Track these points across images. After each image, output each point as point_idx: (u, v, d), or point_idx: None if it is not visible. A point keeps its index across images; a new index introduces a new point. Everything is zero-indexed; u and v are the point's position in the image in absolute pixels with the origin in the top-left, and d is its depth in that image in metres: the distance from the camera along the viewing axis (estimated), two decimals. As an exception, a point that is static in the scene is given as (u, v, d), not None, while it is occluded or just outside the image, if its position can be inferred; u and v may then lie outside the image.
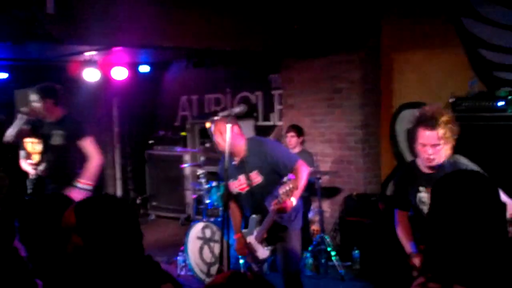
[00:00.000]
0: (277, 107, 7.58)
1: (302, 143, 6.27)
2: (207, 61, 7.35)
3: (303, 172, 3.88)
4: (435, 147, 3.13)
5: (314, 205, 6.29)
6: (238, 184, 4.04)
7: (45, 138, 4.87)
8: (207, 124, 3.67)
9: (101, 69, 7.56)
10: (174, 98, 9.05)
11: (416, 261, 3.26)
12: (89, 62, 7.43)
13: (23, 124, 4.85)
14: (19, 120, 4.79)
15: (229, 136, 3.68)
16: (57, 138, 4.79)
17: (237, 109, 3.69)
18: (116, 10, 4.70)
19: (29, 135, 5.15)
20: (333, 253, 5.71)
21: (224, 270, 3.85)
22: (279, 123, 7.49)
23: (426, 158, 3.19)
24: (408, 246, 3.39)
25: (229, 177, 4.02)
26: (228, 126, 3.63)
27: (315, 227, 6.50)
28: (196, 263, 5.75)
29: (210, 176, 6.43)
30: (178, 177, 8.49)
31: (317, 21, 5.87)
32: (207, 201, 6.10)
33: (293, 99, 7.00)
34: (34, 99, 4.78)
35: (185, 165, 7.73)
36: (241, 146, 3.97)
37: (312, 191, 5.92)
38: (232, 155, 3.96)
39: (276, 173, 3.94)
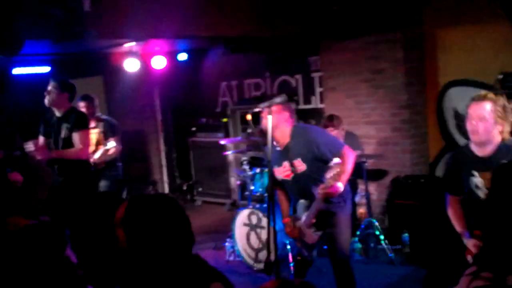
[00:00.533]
0: (318, 89, 7.45)
1: (343, 129, 6.09)
2: (245, 46, 7.28)
3: (350, 157, 3.82)
4: (481, 120, 3.08)
5: (361, 188, 6.19)
6: (283, 171, 4.01)
7: (55, 132, 5.12)
8: (249, 117, 3.63)
9: (140, 59, 7.63)
10: (214, 85, 9.04)
11: (470, 246, 3.17)
12: (129, 53, 7.49)
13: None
14: None
15: (270, 125, 3.62)
16: (64, 131, 5.05)
17: (278, 99, 3.64)
18: (152, 3, 4.69)
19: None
20: (381, 237, 5.63)
21: (272, 256, 3.84)
22: (321, 106, 7.37)
23: (471, 129, 3.15)
24: (461, 231, 3.30)
25: (274, 163, 4.00)
26: (270, 116, 3.58)
27: (362, 210, 6.41)
28: (244, 249, 5.79)
29: (253, 162, 6.42)
30: (222, 163, 8.54)
31: (356, 0, 5.69)
32: (252, 188, 6.09)
33: (334, 81, 6.86)
34: (52, 88, 5.10)
35: (228, 152, 7.74)
36: (286, 132, 3.93)
37: (358, 174, 5.82)
38: (276, 141, 3.92)
39: (320, 161, 3.87)
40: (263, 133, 3.80)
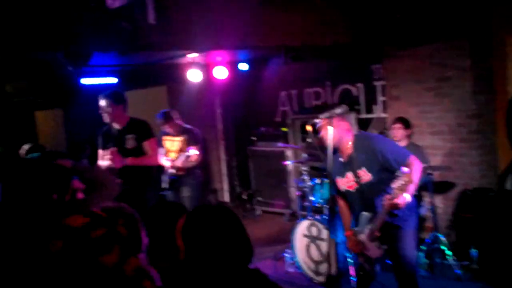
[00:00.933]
0: (380, 98, 7.29)
1: (409, 136, 5.94)
2: (306, 54, 7.24)
3: (416, 167, 3.69)
4: None
5: (426, 201, 5.98)
6: (346, 182, 3.93)
7: (118, 144, 5.19)
8: (309, 127, 3.58)
9: (203, 70, 7.75)
10: (274, 94, 9.05)
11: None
12: (192, 63, 7.63)
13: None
14: None
15: (331, 137, 3.56)
16: (130, 142, 5.15)
17: (339, 110, 3.57)
18: (214, 15, 4.76)
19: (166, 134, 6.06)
20: (448, 252, 5.41)
21: (333, 270, 3.77)
22: (383, 115, 7.21)
23: None
24: None
25: (337, 174, 3.94)
26: (330, 128, 3.52)
27: (427, 224, 6.19)
28: (303, 261, 5.72)
29: (313, 173, 6.35)
30: (281, 173, 8.50)
31: (421, 7, 5.54)
32: (311, 198, 6.03)
33: (397, 89, 6.69)
34: (107, 104, 5.16)
35: (287, 162, 7.70)
36: (349, 143, 3.86)
37: (423, 186, 5.63)
38: (338, 152, 3.85)
39: (386, 170, 3.76)
40: (323, 144, 3.74)
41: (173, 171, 6.31)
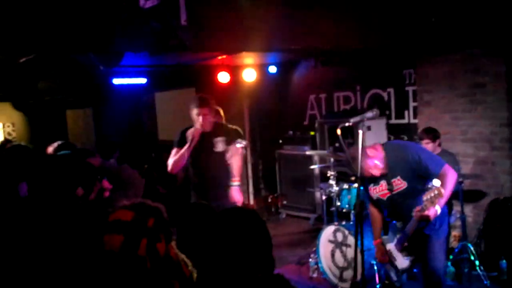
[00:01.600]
0: (412, 104, 7.17)
1: (440, 145, 5.79)
2: (336, 58, 7.19)
3: (450, 178, 3.59)
4: None
5: (456, 210, 5.86)
6: (379, 190, 3.87)
7: (208, 148, 5.07)
8: (338, 131, 3.53)
9: (232, 72, 7.77)
10: (303, 97, 9.00)
11: None
12: (221, 65, 7.66)
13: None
14: (187, 147, 4.96)
15: (361, 140, 3.50)
16: (219, 145, 5.06)
17: (370, 114, 3.49)
18: (244, 17, 4.74)
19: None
20: (476, 262, 5.29)
21: (359, 277, 3.71)
22: (414, 121, 7.09)
23: None
24: None
25: (371, 182, 3.88)
26: (360, 132, 3.46)
27: (456, 233, 6.06)
28: (328, 266, 5.66)
29: (341, 178, 6.28)
30: (308, 177, 8.45)
31: (456, 12, 5.43)
32: (338, 204, 5.96)
33: (429, 95, 6.58)
34: (204, 113, 4.93)
35: (315, 166, 7.64)
36: (383, 156, 3.74)
37: (453, 194, 5.51)
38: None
39: (420, 179, 3.69)
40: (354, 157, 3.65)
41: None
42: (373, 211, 4.06)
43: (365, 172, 3.63)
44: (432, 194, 3.38)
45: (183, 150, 4.93)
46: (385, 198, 3.86)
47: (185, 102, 8.33)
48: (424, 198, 3.43)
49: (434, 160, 3.73)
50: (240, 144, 5.46)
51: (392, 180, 3.76)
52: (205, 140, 5.02)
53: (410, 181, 3.70)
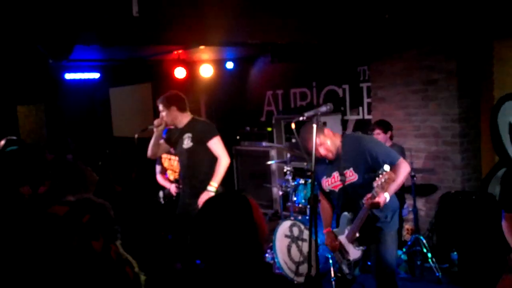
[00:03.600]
0: (366, 100, 7.28)
1: (391, 138, 5.91)
2: (292, 55, 7.20)
3: (403, 169, 3.68)
4: None
5: (408, 204, 5.98)
6: (332, 182, 3.89)
7: (177, 144, 4.99)
8: (293, 125, 3.53)
9: (188, 67, 7.68)
10: (260, 93, 9.01)
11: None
12: (178, 60, 7.55)
13: (160, 137, 4.99)
14: (154, 134, 4.92)
15: (315, 136, 3.51)
16: (185, 141, 4.85)
17: (324, 108, 3.50)
18: (201, 10, 4.68)
19: (167, 151, 5.48)
20: (429, 254, 5.40)
21: (313, 271, 3.72)
22: (368, 117, 7.20)
23: None
24: None
25: (323, 174, 3.91)
26: (314, 126, 3.47)
27: (408, 226, 6.18)
28: (284, 261, 5.66)
29: (297, 173, 6.31)
30: (265, 173, 8.46)
31: (410, 10, 5.52)
32: (294, 199, 5.98)
33: (383, 91, 6.68)
34: (160, 109, 4.86)
35: (271, 162, 7.66)
36: (337, 143, 3.83)
37: (406, 188, 5.61)
38: (328, 152, 3.82)
39: (373, 171, 3.72)
40: (307, 144, 3.68)
41: (173, 193, 5.75)
42: (323, 202, 4.11)
43: (316, 151, 3.60)
44: (383, 180, 3.42)
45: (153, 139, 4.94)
46: (337, 190, 3.89)
47: (141, 98, 8.23)
48: (375, 184, 3.46)
49: (390, 155, 3.77)
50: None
51: (345, 172, 3.79)
52: (178, 136, 4.94)
53: (362, 174, 3.74)
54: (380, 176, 3.45)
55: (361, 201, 3.64)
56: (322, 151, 3.77)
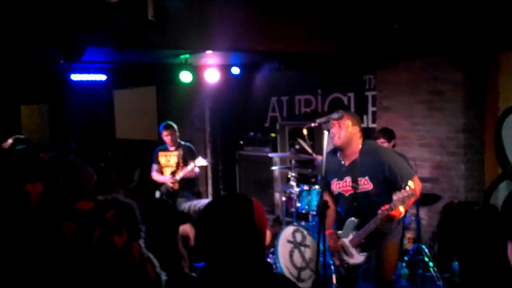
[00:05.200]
0: (371, 108, 7.32)
1: (393, 146, 5.92)
2: (299, 62, 7.25)
3: (418, 186, 3.72)
4: None
5: (411, 213, 6.01)
6: (343, 185, 3.91)
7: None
8: (304, 131, 3.58)
9: (194, 72, 7.72)
10: (264, 99, 9.04)
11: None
12: (183, 65, 7.59)
13: None
14: None
15: (326, 141, 3.55)
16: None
17: (335, 115, 3.56)
18: (210, 16, 4.74)
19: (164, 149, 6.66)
20: (430, 263, 5.43)
21: (316, 276, 3.75)
22: (373, 126, 7.23)
23: None
24: None
25: (334, 175, 3.93)
26: (326, 132, 3.51)
27: (410, 235, 6.21)
28: (286, 266, 5.70)
29: (301, 179, 6.34)
30: (268, 178, 8.49)
31: (418, 20, 5.58)
32: (298, 204, 6.01)
33: (389, 100, 6.72)
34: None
35: (274, 168, 7.69)
36: (357, 148, 3.84)
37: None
38: (340, 154, 3.84)
39: (387, 184, 3.76)
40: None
41: (169, 185, 6.37)
42: (329, 202, 4.11)
43: (346, 145, 3.74)
44: (406, 194, 3.45)
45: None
46: (347, 194, 3.91)
47: (145, 101, 8.26)
48: (395, 197, 3.49)
49: (408, 171, 3.83)
50: (199, 163, 6.27)
51: (359, 179, 3.81)
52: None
53: (377, 184, 3.77)
54: (403, 190, 3.48)
55: (371, 209, 3.67)
56: (336, 140, 3.78)
